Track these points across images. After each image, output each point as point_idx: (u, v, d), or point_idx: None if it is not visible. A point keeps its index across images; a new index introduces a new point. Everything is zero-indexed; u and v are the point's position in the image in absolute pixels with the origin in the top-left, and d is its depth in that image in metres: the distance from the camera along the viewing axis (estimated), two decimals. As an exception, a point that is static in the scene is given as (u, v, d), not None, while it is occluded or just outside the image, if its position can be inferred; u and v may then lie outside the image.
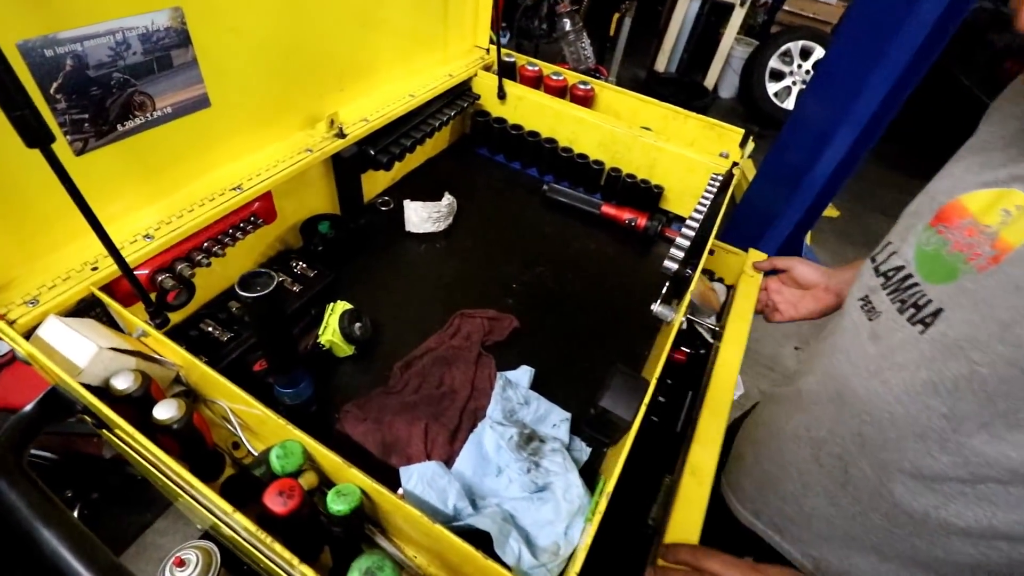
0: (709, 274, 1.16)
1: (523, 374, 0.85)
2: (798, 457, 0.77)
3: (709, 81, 4.33)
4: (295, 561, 0.46)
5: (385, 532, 0.61)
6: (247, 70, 0.80)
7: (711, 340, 1.00)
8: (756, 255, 1.10)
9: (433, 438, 0.74)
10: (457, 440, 0.75)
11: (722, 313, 1.06)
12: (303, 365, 0.72)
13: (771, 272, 1.09)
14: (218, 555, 0.65)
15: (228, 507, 0.48)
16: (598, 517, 0.55)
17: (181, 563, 0.61)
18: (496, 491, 0.69)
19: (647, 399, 0.65)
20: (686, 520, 0.67)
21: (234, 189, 0.80)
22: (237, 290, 0.56)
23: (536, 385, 0.85)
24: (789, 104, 4.16)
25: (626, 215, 1.20)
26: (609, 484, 0.57)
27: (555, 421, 0.79)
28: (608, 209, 1.21)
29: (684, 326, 1.00)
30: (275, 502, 0.52)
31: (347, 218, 1.07)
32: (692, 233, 0.89)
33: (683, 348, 0.98)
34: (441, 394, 0.81)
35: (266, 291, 0.56)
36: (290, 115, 0.93)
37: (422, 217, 1.09)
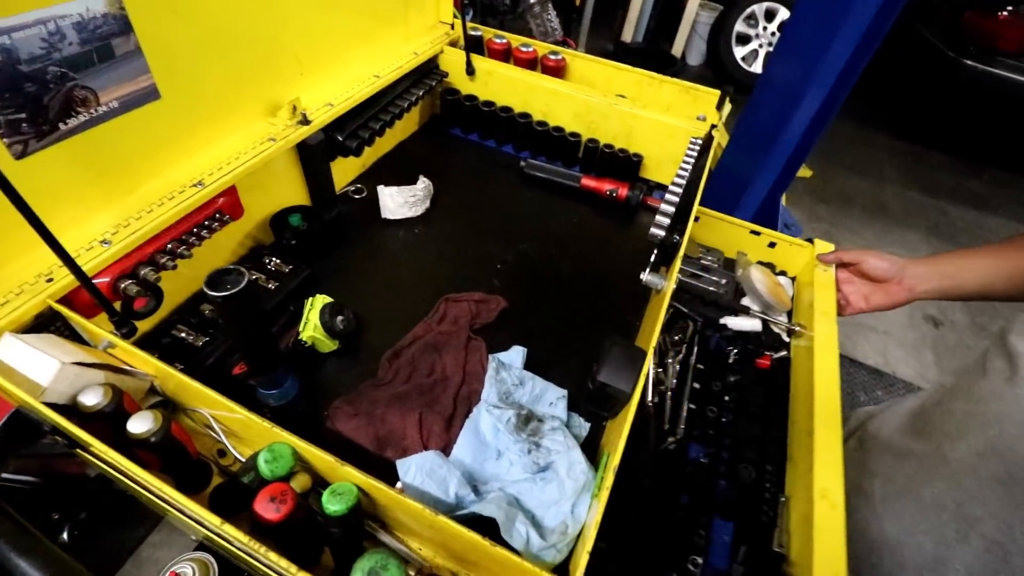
0: (770, 267, 1.08)
1: (515, 355, 0.84)
2: (935, 528, 0.68)
3: (676, 49, 4.29)
4: (293, 568, 0.44)
5: (387, 527, 0.60)
6: (197, 57, 0.75)
7: (787, 339, 0.96)
8: (823, 246, 1.00)
9: (428, 427, 0.72)
10: (453, 427, 0.73)
11: (792, 309, 1.01)
12: (285, 364, 0.69)
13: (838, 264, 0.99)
14: (215, 566, 0.63)
15: (216, 519, 0.46)
16: (605, 493, 0.53)
17: (176, 578, 0.59)
18: (497, 475, 0.68)
19: (646, 369, 0.63)
20: (829, 548, 0.60)
21: (195, 185, 0.76)
22: (206, 290, 0.53)
23: (529, 364, 0.83)
24: (757, 67, 4.16)
25: (606, 186, 1.18)
26: (614, 458, 0.55)
27: (552, 399, 0.78)
28: (588, 181, 1.19)
29: (759, 328, 0.96)
30: (267, 509, 0.49)
31: (319, 209, 1.02)
32: (676, 199, 0.87)
33: (766, 352, 0.92)
34: (433, 382, 0.78)
35: (237, 288, 0.53)
36: (249, 103, 0.88)
37: (398, 202, 1.06)
